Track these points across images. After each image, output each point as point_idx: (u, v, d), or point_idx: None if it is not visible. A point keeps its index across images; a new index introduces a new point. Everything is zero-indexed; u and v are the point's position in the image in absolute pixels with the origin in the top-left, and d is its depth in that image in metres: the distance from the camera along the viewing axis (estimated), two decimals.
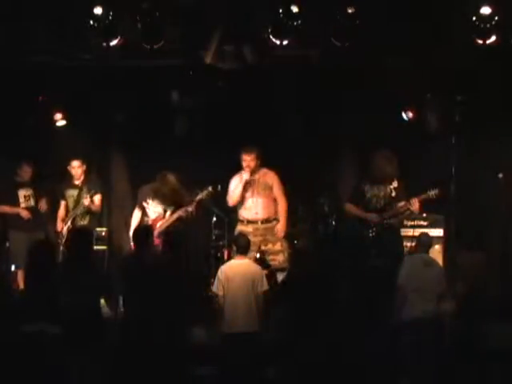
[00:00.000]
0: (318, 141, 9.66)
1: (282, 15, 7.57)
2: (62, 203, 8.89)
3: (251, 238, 8.09)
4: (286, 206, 8.51)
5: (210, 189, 8.51)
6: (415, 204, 7.87)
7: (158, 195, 8.46)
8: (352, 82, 8.90)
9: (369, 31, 7.79)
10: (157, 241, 8.34)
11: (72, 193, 8.86)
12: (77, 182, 8.85)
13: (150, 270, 6.59)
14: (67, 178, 8.96)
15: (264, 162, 8.58)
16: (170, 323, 6.36)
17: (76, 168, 8.81)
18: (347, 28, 7.67)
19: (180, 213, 8.45)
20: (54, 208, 9.08)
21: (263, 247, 8.31)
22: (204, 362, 6.62)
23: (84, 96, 9.14)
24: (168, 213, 8.54)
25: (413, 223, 8.93)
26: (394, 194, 8.03)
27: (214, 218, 9.25)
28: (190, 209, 8.42)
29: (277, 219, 8.49)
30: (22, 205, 8.95)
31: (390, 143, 8.87)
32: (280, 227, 8.43)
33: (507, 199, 8.97)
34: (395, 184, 8.04)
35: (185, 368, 6.20)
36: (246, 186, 8.44)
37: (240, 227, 8.41)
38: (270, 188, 8.43)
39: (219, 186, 9.19)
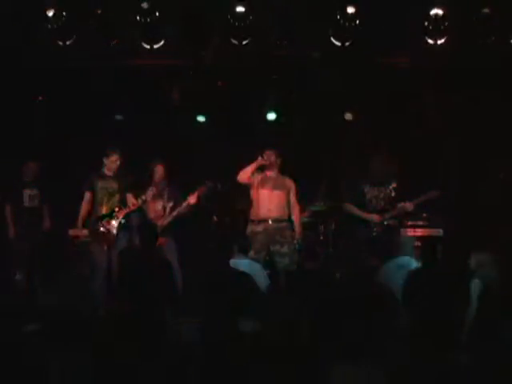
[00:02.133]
0: (318, 140, 9.69)
1: (282, 15, 7.59)
2: (87, 194, 8.31)
3: (261, 237, 8.07)
4: (300, 214, 8.32)
5: (209, 183, 8.46)
6: (410, 207, 7.94)
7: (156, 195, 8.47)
8: (352, 82, 8.92)
9: (369, 31, 7.80)
10: (160, 239, 8.33)
11: (104, 185, 8.30)
12: (110, 174, 8.32)
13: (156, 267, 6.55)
14: (98, 169, 8.39)
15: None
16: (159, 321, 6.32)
17: (115, 161, 8.26)
18: (347, 28, 7.67)
19: (180, 209, 8.43)
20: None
21: (272, 247, 8.25)
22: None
23: (84, 96, 9.16)
24: (167, 210, 8.52)
25: (413, 223, 8.94)
26: (393, 194, 8.04)
27: (214, 218, 9.27)
28: (191, 202, 8.38)
29: (287, 221, 8.35)
30: (26, 204, 8.95)
31: (389, 143, 8.91)
32: (297, 231, 8.19)
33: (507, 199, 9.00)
34: (395, 184, 8.05)
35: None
36: (262, 183, 8.30)
37: (251, 227, 8.23)
38: (287, 190, 8.24)
39: (219, 186, 9.22)
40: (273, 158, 8.17)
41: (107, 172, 8.31)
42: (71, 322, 5.97)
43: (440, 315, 6.07)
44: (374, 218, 7.97)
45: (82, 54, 8.22)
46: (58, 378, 5.52)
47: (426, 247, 6.52)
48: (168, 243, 8.42)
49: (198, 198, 8.36)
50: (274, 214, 8.16)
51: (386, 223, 7.99)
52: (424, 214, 9.01)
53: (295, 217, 8.25)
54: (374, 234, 7.96)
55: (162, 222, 8.41)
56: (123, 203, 8.25)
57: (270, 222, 8.15)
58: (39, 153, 9.28)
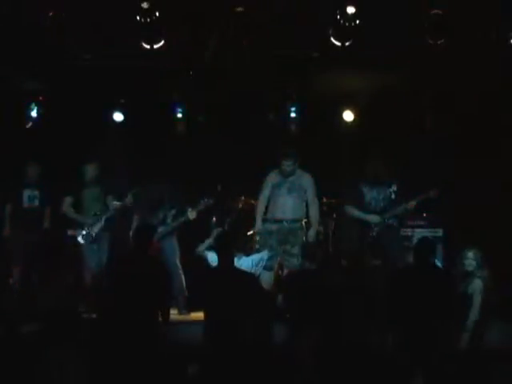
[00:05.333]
0: (319, 140, 9.68)
1: (282, 15, 7.58)
2: (68, 199, 8.69)
3: (275, 236, 8.17)
4: (318, 211, 8.34)
5: (210, 201, 8.50)
6: (411, 205, 7.95)
7: (154, 201, 8.49)
8: (351, 82, 8.92)
9: (369, 31, 7.79)
10: (156, 245, 8.31)
11: (90, 192, 8.65)
12: (92, 181, 8.66)
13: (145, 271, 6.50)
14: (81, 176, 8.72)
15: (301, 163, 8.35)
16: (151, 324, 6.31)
17: (91, 171, 8.64)
18: (347, 28, 7.66)
19: (181, 220, 8.45)
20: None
21: (283, 247, 8.29)
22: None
23: (85, 96, 9.16)
24: (169, 219, 8.51)
25: (413, 223, 8.94)
26: (393, 196, 8.05)
27: (214, 218, 9.26)
28: (190, 218, 8.41)
29: (301, 222, 8.30)
30: (26, 205, 8.93)
31: (389, 143, 8.91)
32: (311, 233, 8.25)
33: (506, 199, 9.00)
34: (394, 188, 8.06)
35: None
36: (279, 186, 8.35)
37: (265, 225, 8.29)
38: (304, 190, 8.27)
39: (219, 186, 9.24)
40: (290, 168, 8.19)
41: (88, 180, 8.61)
42: (70, 322, 5.97)
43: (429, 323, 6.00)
44: (375, 218, 7.98)
45: (82, 54, 8.24)
46: (54, 378, 5.53)
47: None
48: (169, 243, 8.43)
49: (199, 213, 8.40)
50: (289, 215, 8.22)
51: (386, 222, 7.99)
52: (424, 214, 9.01)
53: (313, 214, 8.25)
54: (374, 234, 7.97)
55: (162, 231, 8.39)
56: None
57: (285, 223, 8.20)
58: (40, 153, 9.28)
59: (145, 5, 7.54)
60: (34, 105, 9.22)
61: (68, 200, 8.68)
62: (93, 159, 8.71)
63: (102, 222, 8.53)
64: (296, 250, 8.15)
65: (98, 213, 8.54)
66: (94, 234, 8.49)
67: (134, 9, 7.64)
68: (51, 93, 9.16)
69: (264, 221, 8.31)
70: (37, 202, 8.93)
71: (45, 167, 9.07)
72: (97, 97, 9.25)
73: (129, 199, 8.48)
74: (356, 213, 8.09)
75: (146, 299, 6.21)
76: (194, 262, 8.49)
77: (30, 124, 9.26)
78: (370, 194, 8.07)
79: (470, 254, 6.49)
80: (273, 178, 8.35)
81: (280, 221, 8.23)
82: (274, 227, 8.22)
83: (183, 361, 6.28)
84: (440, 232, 9.14)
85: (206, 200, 8.40)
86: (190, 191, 8.78)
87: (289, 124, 9.65)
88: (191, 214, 8.36)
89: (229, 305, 6.07)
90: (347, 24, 7.66)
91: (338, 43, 7.81)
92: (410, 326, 6.13)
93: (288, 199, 8.23)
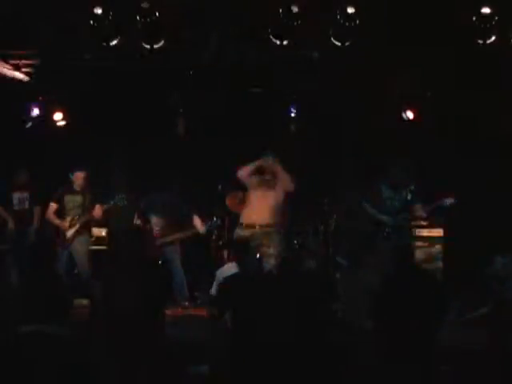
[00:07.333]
0: (320, 141, 9.69)
1: (281, 15, 7.57)
2: (53, 205, 8.55)
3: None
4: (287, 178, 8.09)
5: (218, 222, 8.54)
6: (423, 213, 8.09)
7: (160, 211, 8.48)
8: (352, 82, 8.92)
9: (369, 31, 7.79)
10: (158, 250, 8.32)
11: (72, 198, 8.55)
12: (78, 188, 8.56)
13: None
14: (67, 183, 8.64)
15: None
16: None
17: (80, 179, 8.53)
18: (347, 28, 7.66)
19: (184, 235, 8.47)
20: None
21: (260, 251, 8.25)
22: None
23: (84, 97, 9.16)
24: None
25: (413, 223, 8.95)
26: (409, 197, 8.07)
27: (214, 218, 9.26)
28: (201, 232, 8.45)
29: (276, 226, 8.36)
30: (16, 207, 8.89)
31: (390, 144, 8.92)
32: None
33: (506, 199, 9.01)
34: (412, 187, 8.09)
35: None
36: (260, 180, 8.27)
37: (238, 231, 8.22)
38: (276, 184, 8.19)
39: (219, 186, 9.25)
40: (270, 161, 8.17)
41: (76, 187, 8.51)
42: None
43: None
44: (388, 220, 8.00)
45: (82, 54, 8.25)
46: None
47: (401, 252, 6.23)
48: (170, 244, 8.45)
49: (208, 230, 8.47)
50: (261, 221, 8.08)
51: (397, 224, 8.03)
52: (424, 214, 9.02)
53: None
54: (385, 234, 7.99)
55: (164, 238, 8.39)
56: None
57: (257, 228, 8.09)
58: (33, 156, 9.27)
59: (145, 5, 7.53)
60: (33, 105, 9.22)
61: (54, 206, 8.53)
62: (82, 167, 8.62)
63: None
64: (271, 250, 8.10)
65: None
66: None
67: (134, 9, 7.65)
68: (51, 93, 9.16)
69: (238, 225, 8.24)
70: (27, 204, 8.90)
71: (39, 168, 9.09)
72: (96, 97, 9.26)
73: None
74: (371, 210, 8.13)
75: (143, 300, 6.21)
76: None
77: (29, 124, 9.25)
78: (387, 194, 8.12)
79: (506, 260, 6.47)
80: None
81: (252, 226, 8.07)
82: (246, 233, 7.97)
83: (185, 360, 6.29)
84: (440, 232, 9.16)
85: (213, 222, 8.46)
86: (190, 191, 8.79)
87: (289, 124, 9.68)
88: (201, 229, 8.42)
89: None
90: (347, 24, 7.66)
91: (338, 43, 7.81)
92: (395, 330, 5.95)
93: (263, 202, 8.11)
